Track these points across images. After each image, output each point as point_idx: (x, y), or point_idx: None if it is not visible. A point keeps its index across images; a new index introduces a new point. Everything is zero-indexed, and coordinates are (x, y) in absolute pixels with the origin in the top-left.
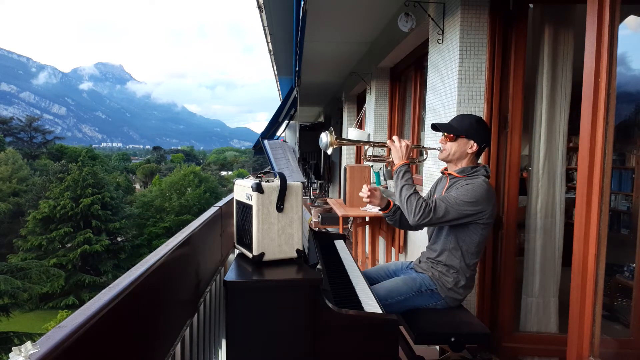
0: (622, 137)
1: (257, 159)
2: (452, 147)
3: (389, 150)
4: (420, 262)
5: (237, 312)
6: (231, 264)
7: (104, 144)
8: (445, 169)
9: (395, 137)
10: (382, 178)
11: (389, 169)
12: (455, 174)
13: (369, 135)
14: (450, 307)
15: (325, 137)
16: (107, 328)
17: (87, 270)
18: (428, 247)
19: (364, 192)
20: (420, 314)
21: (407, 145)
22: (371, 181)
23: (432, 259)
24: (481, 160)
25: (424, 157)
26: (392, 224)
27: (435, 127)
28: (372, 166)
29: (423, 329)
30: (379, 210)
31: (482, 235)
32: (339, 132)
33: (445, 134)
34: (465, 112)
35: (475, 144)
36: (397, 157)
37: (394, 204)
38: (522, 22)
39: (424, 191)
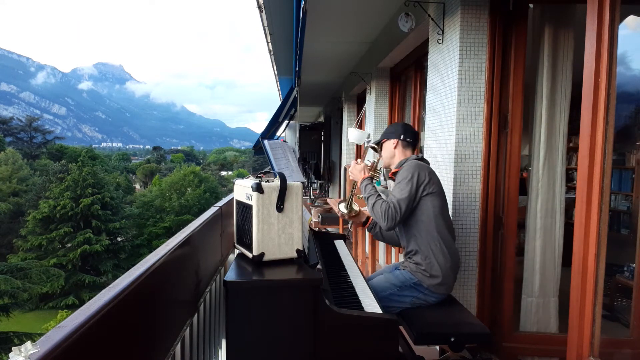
0: (622, 137)
1: (257, 159)
2: (382, 153)
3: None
4: (403, 262)
5: (237, 312)
6: (231, 264)
7: (104, 144)
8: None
9: (348, 167)
10: (382, 178)
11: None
12: (394, 169)
13: (368, 135)
14: (446, 303)
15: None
16: (107, 328)
17: (87, 270)
18: (404, 249)
19: (343, 210)
20: (419, 314)
21: (358, 165)
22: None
23: (407, 255)
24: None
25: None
26: (375, 237)
27: (373, 147)
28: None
29: (423, 329)
30: (363, 224)
31: (434, 206)
32: (339, 132)
33: (376, 147)
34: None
35: (395, 140)
36: (358, 178)
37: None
38: (522, 22)
39: None
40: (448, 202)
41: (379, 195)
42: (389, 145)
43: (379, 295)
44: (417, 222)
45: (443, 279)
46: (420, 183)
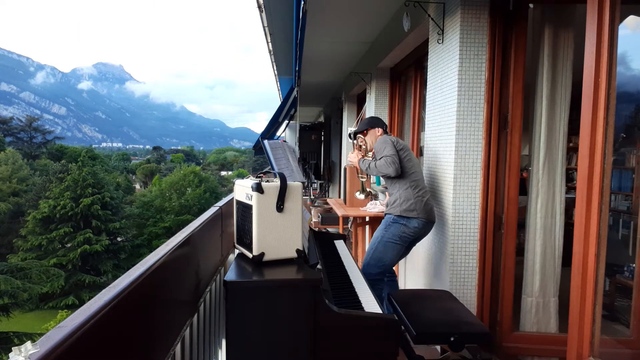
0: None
1: (257, 159)
2: (368, 138)
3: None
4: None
5: (237, 312)
6: (231, 264)
7: (104, 144)
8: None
9: (349, 163)
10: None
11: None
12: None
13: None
14: (446, 302)
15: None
16: (107, 328)
17: (87, 270)
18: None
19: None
20: (419, 314)
21: (352, 153)
22: (371, 181)
23: (389, 207)
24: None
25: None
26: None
27: (351, 135)
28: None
29: (423, 329)
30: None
31: (406, 167)
32: (339, 132)
33: (360, 136)
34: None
35: (379, 129)
36: (355, 160)
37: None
38: (522, 22)
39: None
40: (448, 201)
41: (373, 160)
42: (375, 132)
43: (375, 245)
44: (394, 181)
45: (413, 205)
46: (393, 145)
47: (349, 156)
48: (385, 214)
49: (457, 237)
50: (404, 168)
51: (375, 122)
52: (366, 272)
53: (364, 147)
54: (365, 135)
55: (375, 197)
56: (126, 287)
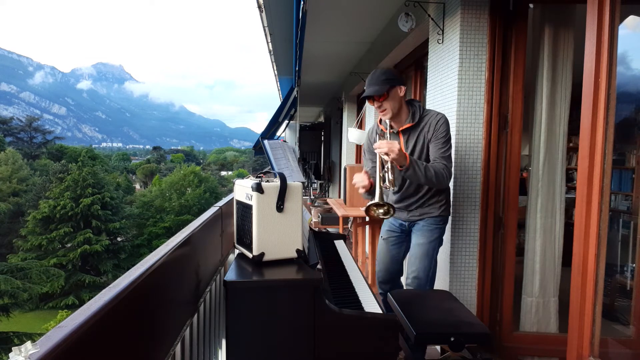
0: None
1: (257, 159)
2: (390, 103)
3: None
4: (409, 212)
5: (237, 312)
6: (231, 264)
7: (104, 144)
8: (386, 128)
9: (385, 148)
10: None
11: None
12: (408, 125)
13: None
14: (446, 302)
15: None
16: (107, 328)
17: (87, 270)
18: (408, 196)
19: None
20: (419, 314)
21: (399, 147)
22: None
23: (424, 199)
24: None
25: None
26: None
27: (367, 97)
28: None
29: (423, 329)
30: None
31: None
32: (339, 132)
33: (376, 97)
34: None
35: (401, 87)
36: (402, 158)
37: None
38: (522, 22)
39: None
40: (448, 201)
41: (426, 165)
42: (396, 93)
43: (432, 267)
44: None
45: (447, 200)
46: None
47: (381, 144)
48: (424, 218)
49: (457, 237)
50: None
51: (395, 76)
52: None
53: (387, 116)
54: (383, 99)
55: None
56: (126, 287)
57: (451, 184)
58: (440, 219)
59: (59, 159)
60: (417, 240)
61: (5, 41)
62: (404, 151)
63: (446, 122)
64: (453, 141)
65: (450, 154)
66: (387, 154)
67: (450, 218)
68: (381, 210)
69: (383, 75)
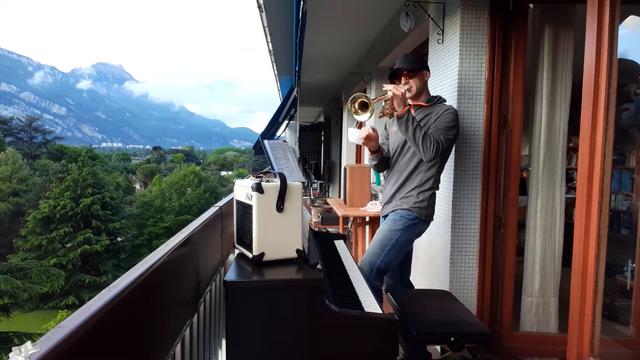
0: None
1: (257, 159)
2: (415, 82)
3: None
4: (385, 206)
5: (237, 312)
6: (231, 264)
7: (104, 144)
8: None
9: (393, 87)
10: (382, 178)
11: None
12: (423, 103)
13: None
14: (446, 302)
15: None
16: (107, 328)
17: (87, 270)
18: (395, 186)
19: (363, 134)
20: (419, 313)
21: (404, 93)
22: (371, 181)
23: (406, 190)
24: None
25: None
26: (373, 167)
27: (397, 71)
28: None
29: (423, 329)
30: (370, 151)
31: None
32: (339, 132)
33: (405, 73)
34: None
35: (427, 72)
36: (402, 104)
37: (381, 151)
38: (522, 22)
39: None
40: (448, 201)
41: (420, 125)
42: (423, 76)
43: (388, 253)
44: (422, 162)
45: (431, 203)
46: (456, 134)
47: (390, 85)
48: (397, 210)
49: (457, 237)
50: (445, 153)
51: (425, 62)
52: (370, 279)
53: (411, 89)
54: (412, 77)
55: (375, 197)
56: (126, 287)
57: (451, 184)
58: (408, 213)
59: (59, 159)
60: (380, 227)
61: (5, 41)
62: (405, 98)
63: (454, 113)
64: None
65: (448, 139)
66: (393, 93)
67: (451, 220)
68: (358, 105)
69: (414, 58)
